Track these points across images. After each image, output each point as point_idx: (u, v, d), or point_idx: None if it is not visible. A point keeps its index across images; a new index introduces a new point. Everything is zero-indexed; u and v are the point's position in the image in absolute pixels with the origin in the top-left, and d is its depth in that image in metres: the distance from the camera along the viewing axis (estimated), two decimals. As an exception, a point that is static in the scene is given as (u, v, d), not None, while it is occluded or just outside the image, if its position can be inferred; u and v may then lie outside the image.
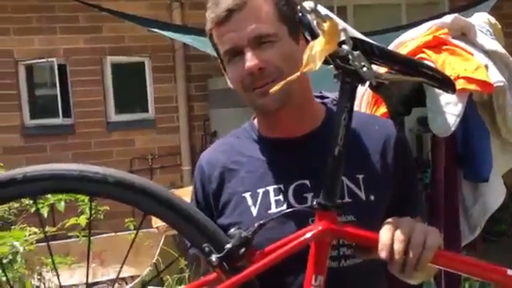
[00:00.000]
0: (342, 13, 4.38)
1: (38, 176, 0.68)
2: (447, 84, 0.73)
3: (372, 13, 4.69)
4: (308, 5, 0.59)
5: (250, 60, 0.80)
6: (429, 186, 1.48)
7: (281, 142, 0.89)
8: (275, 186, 0.85)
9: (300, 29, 0.81)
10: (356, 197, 0.84)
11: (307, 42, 0.69)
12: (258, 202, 0.85)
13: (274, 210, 0.83)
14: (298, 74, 0.65)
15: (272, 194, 0.85)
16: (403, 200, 0.88)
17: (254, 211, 0.84)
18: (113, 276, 3.01)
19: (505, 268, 0.70)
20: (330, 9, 3.95)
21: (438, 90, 1.12)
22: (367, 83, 0.71)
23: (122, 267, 0.77)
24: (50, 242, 2.86)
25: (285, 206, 0.83)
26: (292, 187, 0.85)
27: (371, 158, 0.87)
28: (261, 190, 0.85)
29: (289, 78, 0.66)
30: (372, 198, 0.84)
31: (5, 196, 0.69)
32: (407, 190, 0.90)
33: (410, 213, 0.83)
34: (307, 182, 0.84)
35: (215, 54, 0.90)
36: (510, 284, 0.70)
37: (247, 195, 0.86)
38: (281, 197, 0.84)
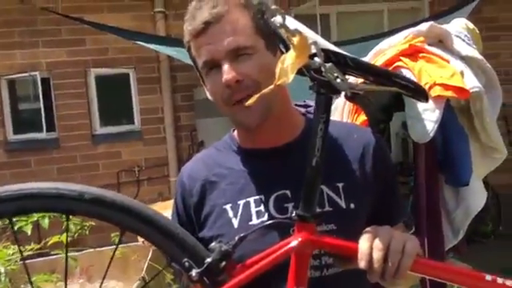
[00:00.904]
0: (325, 20, 4.43)
1: (14, 196, 0.67)
2: (420, 93, 0.75)
3: (355, 20, 4.76)
4: (277, 20, 0.60)
5: (228, 73, 0.80)
6: (413, 190, 1.49)
7: (260, 153, 0.90)
8: (256, 197, 0.85)
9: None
10: (336, 205, 0.85)
11: (283, 54, 0.70)
12: (239, 214, 0.85)
13: (255, 221, 0.84)
14: (272, 86, 0.65)
15: (253, 205, 0.85)
16: (384, 207, 0.89)
17: (235, 223, 0.85)
18: (101, 291, 2.96)
19: (483, 274, 0.71)
20: (313, 17, 4.02)
21: (416, 97, 1.14)
22: (342, 94, 0.72)
23: (102, 282, 0.75)
24: (36, 260, 2.81)
25: (266, 217, 0.83)
26: (273, 198, 0.85)
27: (350, 166, 0.87)
28: (241, 202, 0.85)
29: (264, 91, 0.67)
30: (352, 206, 0.85)
31: (-21, 217, 0.68)
32: (387, 197, 0.91)
33: (391, 220, 0.85)
34: (288, 192, 0.85)
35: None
36: (489, 289, 0.71)
37: (228, 207, 0.86)
38: (262, 208, 0.84)
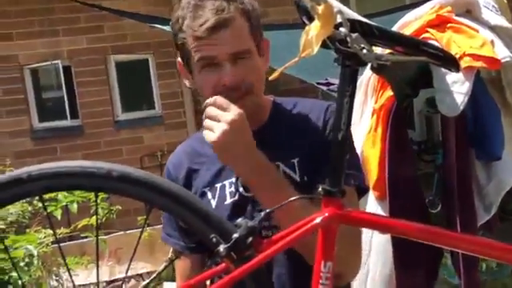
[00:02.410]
0: (344, -2, 4.33)
1: (43, 174, 0.68)
2: (450, 62, 0.72)
3: (375, -4, 4.62)
4: (302, -13, 0.58)
5: (231, 76, 0.87)
6: (441, 168, 1.46)
7: None
8: (229, 180, 0.96)
9: (262, 40, 0.92)
10: (291, 179, 0.90)
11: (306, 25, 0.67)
12: (217, 196, 0.96)
13: (228, 200, 0.95)
14: (297, 59, 0.63)
15: (227, 187, 0.96)
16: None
17: (214, 203, 0.96)
18: (129, 273, 3.05)
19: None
20: (332, -6, 3.93)
21: (444, 70, 1.10)
22: (368, 65, 0.69)
23: (130, 264, 0.77)
24: (66, 243, 2.91)
25: (237, 197, 0.95)
26: (241, 179, 0.93)
27: (306, 141, 0.94)
28: (218, 185, 0.97)
29: (288, 64, 0.66)
30: (306, 178, 0.92)
31: (11, 196, 0.69)
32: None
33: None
34: None
35: None
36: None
37: (207, 190, 0.97)
38: (233, 189, 0.95)
